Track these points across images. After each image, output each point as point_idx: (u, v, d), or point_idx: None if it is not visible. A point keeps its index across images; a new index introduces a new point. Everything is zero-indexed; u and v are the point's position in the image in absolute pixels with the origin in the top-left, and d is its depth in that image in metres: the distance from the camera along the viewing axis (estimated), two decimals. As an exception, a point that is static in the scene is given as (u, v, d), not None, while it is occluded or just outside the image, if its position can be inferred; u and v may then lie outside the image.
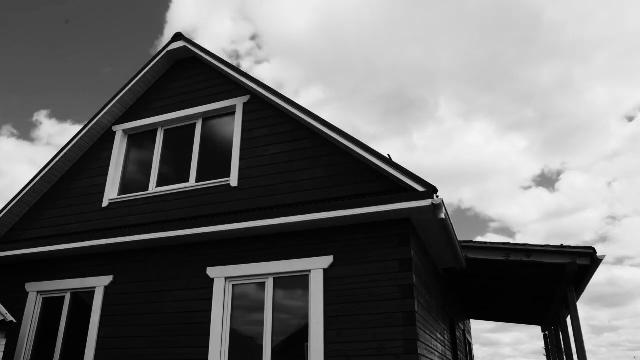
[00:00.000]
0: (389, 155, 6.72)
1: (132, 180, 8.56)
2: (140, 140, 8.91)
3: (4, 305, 7.62)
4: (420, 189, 5.99)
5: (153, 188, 8.17)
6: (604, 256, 7.66)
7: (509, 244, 8.23)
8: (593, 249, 7.65)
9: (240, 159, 7.60)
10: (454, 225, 6.85)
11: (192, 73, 8.82)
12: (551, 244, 8.02)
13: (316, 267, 6.30)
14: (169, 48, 8.88)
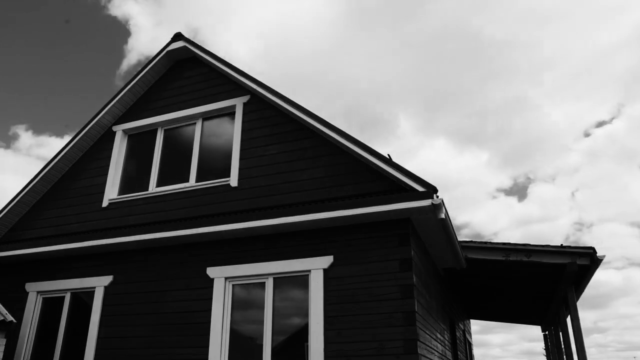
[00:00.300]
0: (389, 155, 6.72)
1: (132, 180, 8.55)
2: (140, 140, 8.90)
3: (4, 305, 7.62)
4: (420, 189, 5.99)
5: (153, 188, 8.17)
6: (604, 256, 7.67)
7: (509, 244, 8.22)
8: (593, 249, 7.65)
9: (240, 159, 7.60)
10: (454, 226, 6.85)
11: (192, 73, 8.82)
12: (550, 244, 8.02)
13: (316, 267, 6.30)
14: (169, 48, 8.88)
